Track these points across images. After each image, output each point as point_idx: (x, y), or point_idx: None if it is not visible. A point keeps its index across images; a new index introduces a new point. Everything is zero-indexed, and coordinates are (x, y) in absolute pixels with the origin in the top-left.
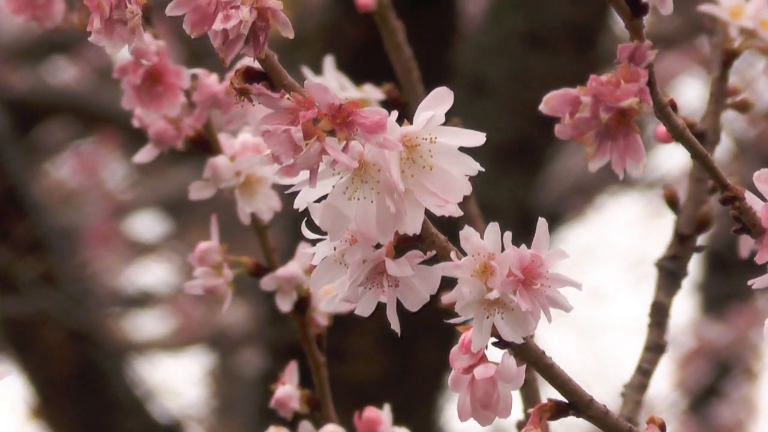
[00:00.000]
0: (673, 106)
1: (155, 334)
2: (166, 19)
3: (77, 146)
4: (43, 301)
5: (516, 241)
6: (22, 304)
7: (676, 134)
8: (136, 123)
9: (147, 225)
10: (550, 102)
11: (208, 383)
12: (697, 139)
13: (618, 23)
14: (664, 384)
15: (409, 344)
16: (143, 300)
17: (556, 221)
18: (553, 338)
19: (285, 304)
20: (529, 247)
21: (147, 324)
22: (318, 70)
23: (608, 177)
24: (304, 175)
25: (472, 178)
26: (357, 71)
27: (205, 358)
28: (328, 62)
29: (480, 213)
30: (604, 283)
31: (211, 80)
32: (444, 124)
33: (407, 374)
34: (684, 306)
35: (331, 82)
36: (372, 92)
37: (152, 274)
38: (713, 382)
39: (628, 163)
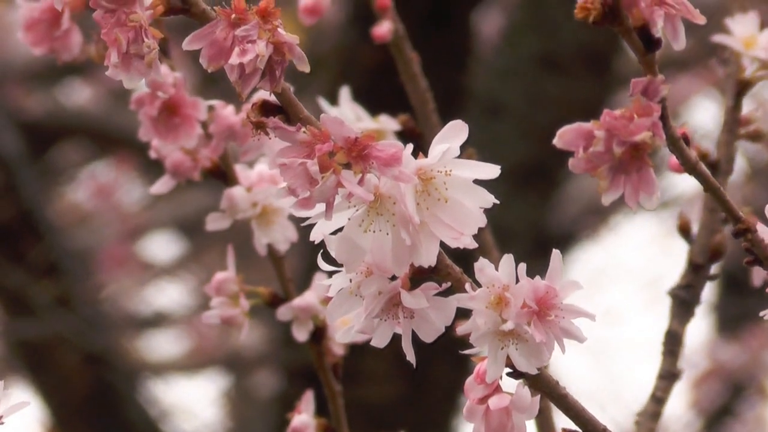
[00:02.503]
0: (686, 139)
1: (171, 355)
2: (180, 41)
3: (92, 168)
4: (58, 323)
5: (531, 263)
6: (38, 326)
7: (688, 167)
8: (153, 154)
9: (162, 246)
10: (564, 136)
11: (223, 404)
12: (711, 169)
13: None
14: (678, 404)
15: (423, 367)
16: (158, 321)
17: (570, 242)
18: (566, 358)
19: (301, 334)
20: (543, 271)
21: (162, 345)
22: (334, 93)
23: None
24: (320, 207)
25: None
26: (372, 94)
27: (220, 379)
28: (344, 93)
29: (494, 237)
30: (618, 303)
31: (227, 112)
32: (459, 154)
33: (422, 397)
34: (698, 327)
35: (346, 113)
36: (388, 123)
37: (168, 295)
38: (727, 402)
39: (641, 196)
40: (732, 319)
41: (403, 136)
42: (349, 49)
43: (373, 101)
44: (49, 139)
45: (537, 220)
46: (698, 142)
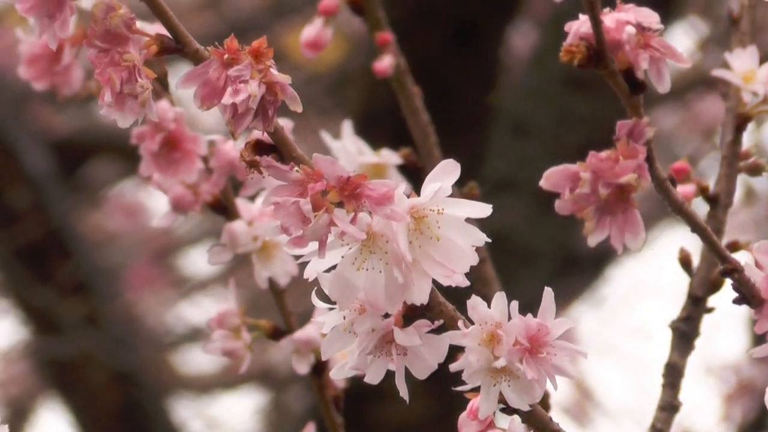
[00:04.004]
0: (672, 180)
1: (206, 371)
2: None
3: (122, 186)
4: (86, 342)
5: (559, 282)
6: (66, 345)
7: (675, 208)
8: (154, 187)
9: (196, 261)
10: (550, 178)
11: (258, 420)
12: (711, 202)
13: None
14: (710, 420)
15: (451, 385)
16: (194, 337)
17: (602, 260)
18: (599, 374)
19: (302, 367)
20: (572, 290)
21: (198, 361)
22: (364, 111)
23: (658, 212)
24: (314, 246)
25: (515, 220)
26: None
27: (255, 395)
28: (346, 127)
29: (521, 257)
30: (652, 319)
31: (228, 146)
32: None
33: (451, 415)
34: (730, 342)
35: (349, 147)
36: (389, 156)
37: (203, 310)
38: (760, 418)
39: (627, 237)
40: (764, 336)
41: (405, 169)
42: None
43: (403, 121)
44: (79, 157)
45: (565, 239)
46: (698, 177)
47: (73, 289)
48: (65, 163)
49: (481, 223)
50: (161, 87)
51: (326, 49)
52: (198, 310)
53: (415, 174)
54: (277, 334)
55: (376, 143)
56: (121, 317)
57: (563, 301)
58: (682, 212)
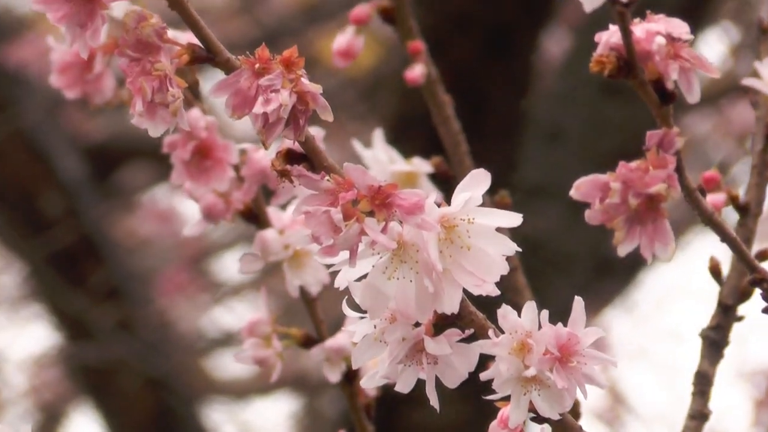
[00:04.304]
0: (702, 191)
1: (240, 376)
2: None
3: (155, 190)
4: (119, 347)
5: (593, 287)
6: (99, 351)
7: (704, 219)
8: (186, 196)
9: (230, 266)
10: (580, 188)
11: (292, 425)
12: (741, 211)
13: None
14: (741, 424)
15: (486, 390)
16: (228, 342)
17: (636, 265)
18: (632, 378)
19: (333, 375)
20: (605, 294)
21: (232, 366)
22: (399, 116)
23: (691, 217)
24: (345, 255)
25: (549, 226)
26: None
27: (289, 400)
28: (378, 135)
29: (555, 262)
30: (685, 323)
31: (259, 155)
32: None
33: (485, 420)
34: (762, 347)
35: (380, 155)
36: (421, 165)
37: (236, 314)
38: None
39: (656, 247)
40: None
41: (436, 178)
42: None
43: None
44: (113, 162)
45: (598, 245)
46: (731, 182)
47: (106, 294)
48: (98, 168)
49: (514, 230)
50: (193, 95)
51: (360, 55)
52: (231, 315)
53: (446, 182)
54: (308, 343)
55: (410, 147)
56: (153, 323)
57: (597, 307)
58: (711, 222)
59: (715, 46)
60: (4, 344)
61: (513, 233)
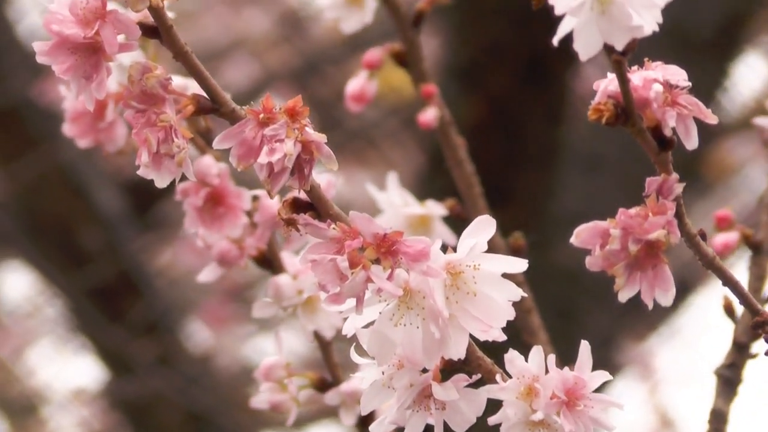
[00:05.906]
0: (702, 235)
1: None
2: None
3: None
4: (159, 382)
5: (633, 317)
6: (139, 385)
7: (706, 263)
8: (199, 243)
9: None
10: (580, 235)
11: None
12: (754, 249)
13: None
14: None
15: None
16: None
17: (683, 291)
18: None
19: (348, 418)
20: (642, 321)
21: None
22: (432, 148)
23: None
24: (351, 302)
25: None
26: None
27: (333, 429)
28: (392, 178)
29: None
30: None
31: (271, 201)
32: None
33: None
34: None
35: (394, 198)
36: (434, 208)
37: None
38: None
39: (657, 293)
40: None
41: (451, 220)
42: (449, 104)
43: (473, 153)
44: (151, 197)
45: None
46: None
47: (146, 329)
48: (137, 202)
49: (552, 261)
50: (205, 142)
51: (403, 84)
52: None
53: (460, 224)
54: (323, 386)
55: (450, 177)
56: (194, 357)
57: (638, 335)
58: (713, 267)
59: (755, 66)
60: (51, 377)
61: (551, 264)
